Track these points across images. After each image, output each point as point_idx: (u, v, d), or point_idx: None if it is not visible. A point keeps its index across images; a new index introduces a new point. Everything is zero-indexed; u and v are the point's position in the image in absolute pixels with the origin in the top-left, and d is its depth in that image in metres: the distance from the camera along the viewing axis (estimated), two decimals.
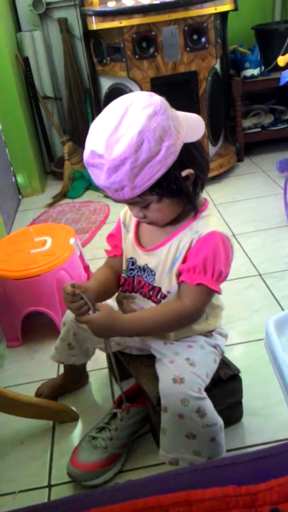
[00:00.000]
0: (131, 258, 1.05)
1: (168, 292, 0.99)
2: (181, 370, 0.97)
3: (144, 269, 1.03)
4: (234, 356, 1.35)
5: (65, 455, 1.16)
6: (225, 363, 1.16)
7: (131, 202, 0.92)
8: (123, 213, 1.10)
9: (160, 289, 1.01)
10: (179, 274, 0.97)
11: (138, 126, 0.80)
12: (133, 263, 1.05)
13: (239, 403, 1.19)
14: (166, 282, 0.99)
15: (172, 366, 0.99)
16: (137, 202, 0.91)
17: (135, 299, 1.06)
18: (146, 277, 1.03)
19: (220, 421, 0.99)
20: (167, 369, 0.99)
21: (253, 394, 1.24)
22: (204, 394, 0.97)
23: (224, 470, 0.58)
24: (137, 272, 1.05)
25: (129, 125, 0.81)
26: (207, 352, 1.05)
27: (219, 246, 0.93)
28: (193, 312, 0.98)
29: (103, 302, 1.00)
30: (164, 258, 0.98)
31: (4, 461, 1.21)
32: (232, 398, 1.17)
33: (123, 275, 1.08)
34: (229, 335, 1.46)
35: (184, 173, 0.89)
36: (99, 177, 0.86)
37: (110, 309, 0.98)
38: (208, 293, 0.97)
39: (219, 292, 0.97)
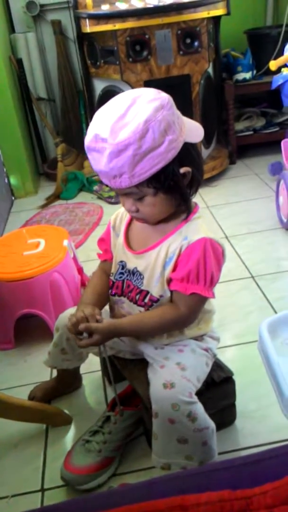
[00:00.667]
0: (121, 261, 1.05)
1: (161, 296, 0.99)
2: (172, 375, 0.97)
3: (133, 272, 1.03)
4: (227, 358, 1.35)
5: (58, 459, 1.16)
6: (218, 366, 1.17)
7: (126, 193, 0.91)
8: (113, 217, 1.10)
9: (147, 292, 1.00)
10: (170, 281, 0.97)
11: (145, 115, 0.82)
12: (123, 267, 1.05)
13: (233, 405, 1.20)
14: (158, 287, 0.99)
15: (162, 371, 0.99)
16: (133, 193, 0.90)
17: (123, 304, 1.06)
18: (135, 281, 1.02)
19: (211, 424, 0.99)
20: (158, 374, 0.99)
21: (246, 396, 1.24)
22: (195, 398, 0.97)
23: (219, 474, 0.58)
24: (127, 276, 1.04)
25: (136, 114, 0.82)
26: (199, 356, 1.05)
27: (209, 252, 0.93)
28: (188, 318, 1.01)
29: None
30: (153, 262, 0.98)
31: None
32: (226, 401, 1.17)
33: (111, 278, 1.07)
34: (222, 337, 1.47)
35: (182, 170, 0.90)
36: (99, 161, 0.85)
37: (106, 325, 0.98)
38: (202, 300, 0.98)
39: (212, 297, 0.97)
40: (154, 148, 0.83)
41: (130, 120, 0.82)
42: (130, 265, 1.03)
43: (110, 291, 1.08)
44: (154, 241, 0.99)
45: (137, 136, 0.81)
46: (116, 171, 0.85)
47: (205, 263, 0.93)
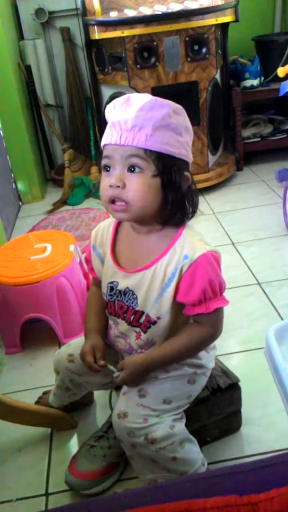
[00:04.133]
0: (110, 282, 0.99)
1: (159, 317, 0.96)
2: (127, 404, 0.97)
3: (125, 292, 0.97)
4: (233, 364, 1.35)
5: (63, 463, 1.16)
6: (224, 372, 1.16)
7: (129, 154, 0.84)
8: (93, 235, 1.04)
9: (143, 313, 0.96)
10: (180, 305, 0.94)
11: (178, 106, 0.88)
12: (112, 288, 0.99)
13: (238, 412, 1.19)
14: (155, 308, 0.95)
15: (122, 399, 1.00)
16: (136, 157, 0.84)
17: (118, 325, 1.03)
18: (127, 301, 0.97)
19: (176, 437, 0.95)
20: (118, 403, 1.00)
21: (252, 403, 1.23)
22: (151, 421, 0.94)
23: (226, 479, 0.58)
24: (117, 297, 0.99)
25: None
26: (176, 378, 1.01)
27: (214, 265, 0.91)
28: (216, 334, 0.99)
29: (124, 360, 1.00)
30: (148, 283, 0.93)
31: (2, 468, 1.20)
32: (231, 407, 1.17)
33: (104, 298, 1.03)
34: (227, 343, 1.47)
35: (186, 173, 0.90)
36: (123, 111, 0.84)
37: (133, 362, 0.97)
38: (222, 311, 0.96)
39: (227, 303, 0.95)
40: (176, 131, 0.85)
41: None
42: (121, 286, 0.97)
43: (106, 310, 1.05)
44: (147, 259, 0.94)
45: (172, 108, 0.85)
46: (140, 122, 0.82)
47: (215, 276, 0.91)
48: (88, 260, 1.07)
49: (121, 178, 0.86)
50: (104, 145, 0.88)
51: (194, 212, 0.93)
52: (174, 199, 0.89)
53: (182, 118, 0.87)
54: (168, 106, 0.85)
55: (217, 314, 0.94)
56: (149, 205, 0.88)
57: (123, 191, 0.86)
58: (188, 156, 0.89)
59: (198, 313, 0.93)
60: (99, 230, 1.04)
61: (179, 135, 0.86)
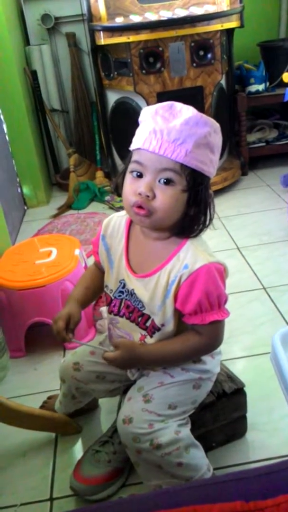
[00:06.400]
0: (122, 279, 0.99)
1: (163, 325, 0.96)
2: (132, 409, 0.97)
3: (131, 293, 0.98)
4: (238, 370, 1.34)
5: (67, 468, 1.16)
6: (229, 377, 1.16)
7: (166, 168, 0.84)
8: (105, 224, 1.03)
9: (149, 317, 0.97)
10: (179, 314, 0.94)
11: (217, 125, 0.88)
12: (124, 285, 0.99)
13: (244, 417, 1.18)
14: (160, 316, 0.95)
15: (127, 404, 1.00)
16: (171, 171, 0.84)
17: (118, 324, 1.03)
18: (134, 302, 0.98)
19: (182, 442, 0.95)
20: (122, 408, 1.00)
21: (257, 408, 1.23)
22: (157, 426, 0.94)
23: (231, 486, 0.57)
24: (126, 295, 0.99)
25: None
26: (181, 384, 1.01)
27: (215, 277, 0.90)
28: (213, 346, 0.98)
29: (120, 340, 1.00)
30: (153, 290, 0.94)
31: (6, 473, 1.20)
32: (237, 413, 1.16)
33: (110, 294, 1.02)
34: (233, 348, 1.46)
35: (210, 191, 0.91)
36: (167, 120, 0.83)
37: (130, 344, 0.98)
38: (222, 323, 0.95)
39: (227, 315, 0.94)
40: (213, 149, 0.87)
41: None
42: (130, 286, 0.98)
43: (107, 307, 1.05)
44: (152, 265, 0.94)
45: (214, 127, 0.86)
46: (183, 136, 0.82)
47: (213, 288, 0.90)
48: (95, 244, 1.06)
49: (152, 188, 0.86)
50: (139, 149, 0.86)
51: (207, 226, 0.93)
52: (194, 214, 0.90)
53: (218, 137, 0.88)
54: (211, 124, 0.86)
55: (215, 326, 0.93)
56: (171, 218, 0.89)
57: (151, 200, 0.86)
58: (213, 174, 0.90)
59: (194, 323, 0.93)
60: (111, 221, 1.03)
61: (213, 154, 0.87)
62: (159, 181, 0.85)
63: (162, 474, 0.96)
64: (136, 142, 0.87)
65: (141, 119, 0.89)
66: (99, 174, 2.96)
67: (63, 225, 2.51)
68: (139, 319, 0.98)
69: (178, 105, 0.86)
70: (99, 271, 1.08)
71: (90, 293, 1.09)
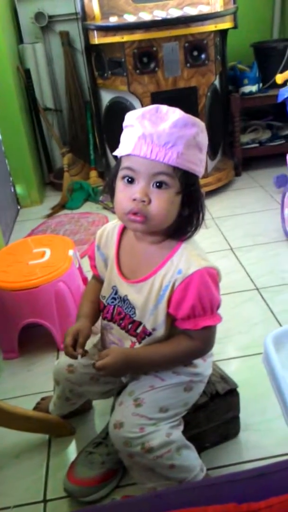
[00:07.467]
0: (114, 286, 1.00)
1: (154, 329, 0.96)
2: (123, 414, 0.97)
3: (124, 300, 0.98)
4: (231, 370, 1.35)
5: (61, 470, 1.15)
6: (222, 378, 1.16)
7: (159, 172, 0.84)
8: (98, 235, 1.05)
9: (140, 323, 0.97)
10: (172, 318, 0.94)
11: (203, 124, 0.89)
12: (116, 292, 1.00)
13: (237, 418, 1.19)
14: (151, 320, 0.95)
15: (118, 409, 1.00)
16: (164, 175, 0.84)
17: (112, 330, 1.03)
18: (126, 308, 0.98)
19: (173, 444, 0.95)
20: (114, 413, 1.00)
21: (250, 408, 1.24)
22: (147, 430, 0.94)
23: (224, 487, 0.58)
24: (118, 302, 1.00)
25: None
26: (172, 387, 1.00)
27: (208, 282, 0.90)
28: (204, 350, 0.99)
29: (110, 348, 1.01)
30: (146, 295, 0.94)
31: None
32: (230, 413, 1.17)
33: (103, 301, 1.03)
34: (226, 349, 1.47)
35: (202, 190, 0.92)
36: (156, 124, 0.83)
37: (121, 351, 0.97)
38: (214, 328, 0.96)
39: (220, 321, 0.94)
40: (201, 149, 0.87)
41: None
42: (122, 292, 0.98)
43: (101, 313, 1.05)
44: (146, 270, 0.94)
45: (200, 127, 0.86)
46: (173, 139, 0.82)
47: (206, 293, 0.90)
48: (91, 257, 1.07)
49: (146, 193, 0.85)
50: (129, 155, 0.85)
51: (199, 226, 0.93)
52: (187, 215, 0.90)
53: (205, 136, 0.89)
54: (198, 124, 0.86)
55: (207, 331, 0.93)
56: (166, 221, 0.89)
57: (147, 206, 0.86)
58: (202, 173, 0.90)
59: (186, 328, 0.93)
60: (105, 231, 1.05)
61: (201, 153, 0.88)
62: (153, 185, 0.85)
63: (155, 477, 0.97)
64: (125, 148, 0.86)
65: (126, 124, 0.88)
66: (93, 173, 2.96)
67: (57, 225, 2.51)
68: (129, 326, 0.98)
69: (164, 108, 0.86)
70: (100, 284, 1.07)
71: (97, 306, 1.08)
